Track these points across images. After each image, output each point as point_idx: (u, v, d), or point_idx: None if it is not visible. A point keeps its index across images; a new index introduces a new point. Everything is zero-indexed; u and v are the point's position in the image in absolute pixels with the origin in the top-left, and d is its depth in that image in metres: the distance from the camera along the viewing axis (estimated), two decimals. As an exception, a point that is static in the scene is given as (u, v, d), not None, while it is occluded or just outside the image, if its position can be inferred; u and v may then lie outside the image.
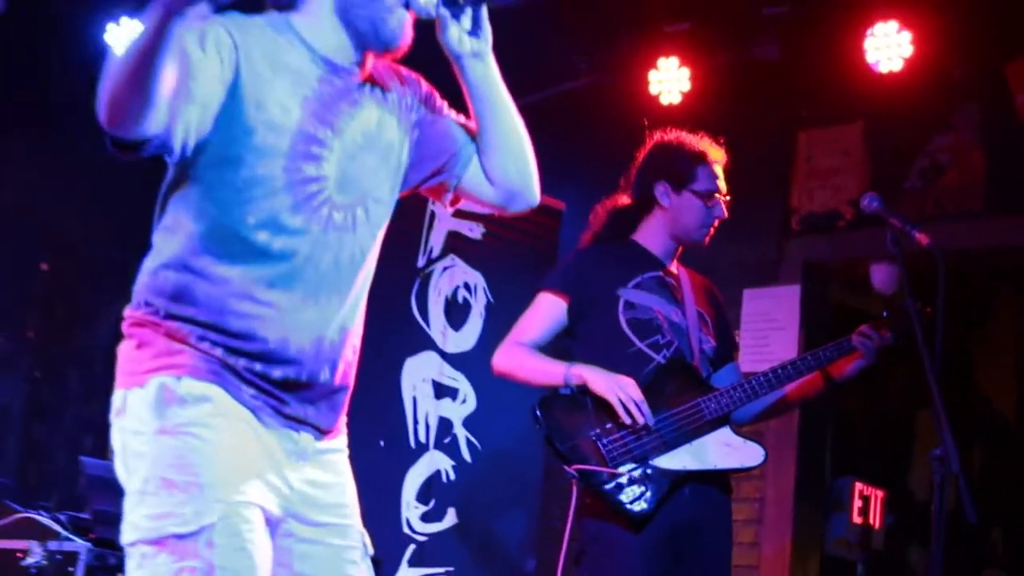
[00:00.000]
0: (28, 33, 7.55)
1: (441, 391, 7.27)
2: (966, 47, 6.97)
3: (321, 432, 3.10)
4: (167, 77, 2.68)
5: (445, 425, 7.23)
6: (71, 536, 5.97)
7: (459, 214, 7.20)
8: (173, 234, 3.00)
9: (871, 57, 6.91)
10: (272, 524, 2.98)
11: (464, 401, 7.32)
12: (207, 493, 2.83)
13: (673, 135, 5.12)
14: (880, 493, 7.21)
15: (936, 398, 4.33)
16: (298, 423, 3.03)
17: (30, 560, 5.93)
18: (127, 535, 2.87)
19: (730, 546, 4.93)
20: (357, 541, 3.14)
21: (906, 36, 6.82)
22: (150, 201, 7.99)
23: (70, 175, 7.92)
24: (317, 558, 3.07)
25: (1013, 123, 6.97)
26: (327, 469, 3.12)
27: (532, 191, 3.33)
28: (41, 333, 7.82)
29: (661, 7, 7.42)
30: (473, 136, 3.30)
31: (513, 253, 7.39)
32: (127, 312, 3.03)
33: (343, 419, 3.19)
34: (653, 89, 7.50)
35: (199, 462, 2.85)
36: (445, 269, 7.34)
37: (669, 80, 7.49)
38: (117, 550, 5.93)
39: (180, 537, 2.80)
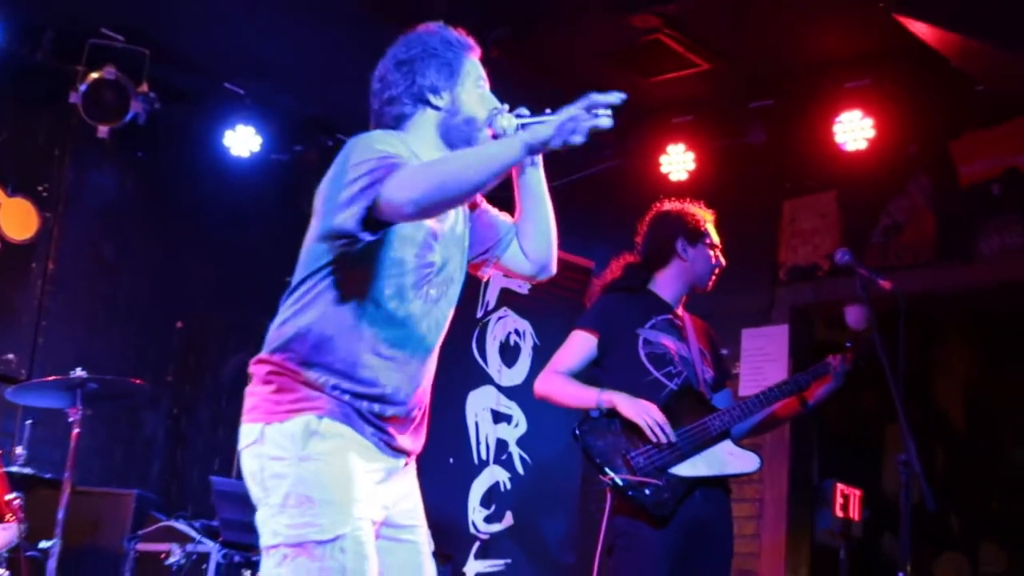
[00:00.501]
0: (160, 139, 7.60)
1: (498, 417, 7.26)
2: (917, 129, 6.96)
3: (409, 455, 3.18)
4: None
5: (502, 445, 7.21)
6: (204, 540, 5.98)
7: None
8: (321, 297, 3.07)
9: (840, 139, 6.90)
10: (377, 532, 3.07)
11: (517, 425, 7.30)
12: (341, 509, 2.93)
13: (673, 204, 5.13)
14: (858, 492, 7.13)
15: (900, 412, 4.31)
16: (399, 452, 3.11)
17: (171, 560, 5.95)
18: (268, 540, 2.94)
19: (732, 537, 4.90)
20: (425, 538, 3.21)
21: (868, 122, 6.82)
22: (258, 274, 8.05)
23: (198, 252, 7.97)
24: (400, 552, 3.13)
25: (957, 189, 6.94)
26: (404, 484, 3.18)
27: (554, 264, 3.44)
28: (177, 377, 7.86)
29: (670, 103, 7.43)
30: (510, 224, 3.40)
31: (554, 304, 7.38)
32: (264, 357, 3.10)
33: (420, 440, 3.25)
34: (664, 169, 7.50)
35: (334, 484, 2.94)
36: (499, 319, 7.34)
37: (677, 162, 7.49)
38: (241, 549, 5.96)
39: (319, 543, 2.88)
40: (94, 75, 7.00)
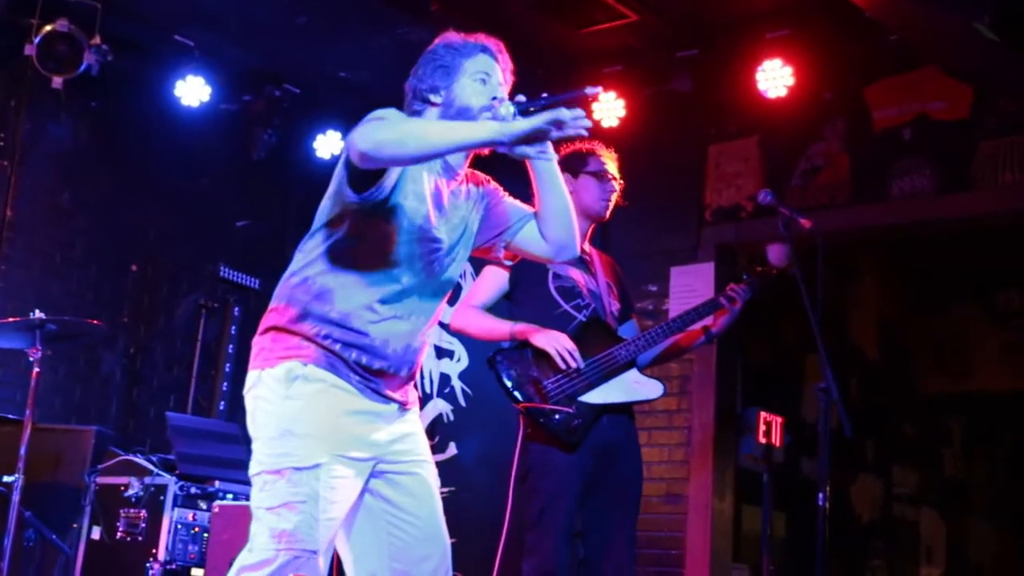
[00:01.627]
0: (113, 89, 7.49)
1: (441, 353, 7.25)
2: (834, 76, 6.97)
3: (402, 407, 3.30)
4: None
5: (445, 379, 7.22)
6: (161, 472, 5.96)
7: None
8: (328, 251, 3.23)
9: (762, 86, 6.90)
10: (371, 469, 3.21)
11: (459, 360, 7.30)
12: (319, 444, 3.07)
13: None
14: (779, 419, 7.19)
15: (819, 344, 4.34)
16: (387, 399, 3.23)
17: (130, 492, 5.93)
18: (254, 468, 3.12)
19: (639, 458, 4.93)
20: (432, 473, 3.38)
21: (788, 70, 6.82)
22: (209, 219, 7.99)
23: (151, 198, 7.90)
24: (409, 482, 3.30)
25: (871, 134, 6.97)
26: (406, 425, 3.31)
27: (576, 245, 3.50)
28: (132, 318, 7.79)
29: (601, 53, 7.39)
30: (524, 212, 3.49)
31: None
32: (272, 307, 3.26)
33: (415, 394, 3.40)
34: (596, 116, 7.46)
35: (314, 420, 3.09)
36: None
37: (608, 109, 7.45)
38: (196, 481, 5.95)
39: (297, 469, 3.05)
40: (48, 28, 6.87)
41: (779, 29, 6.80)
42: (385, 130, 3.01)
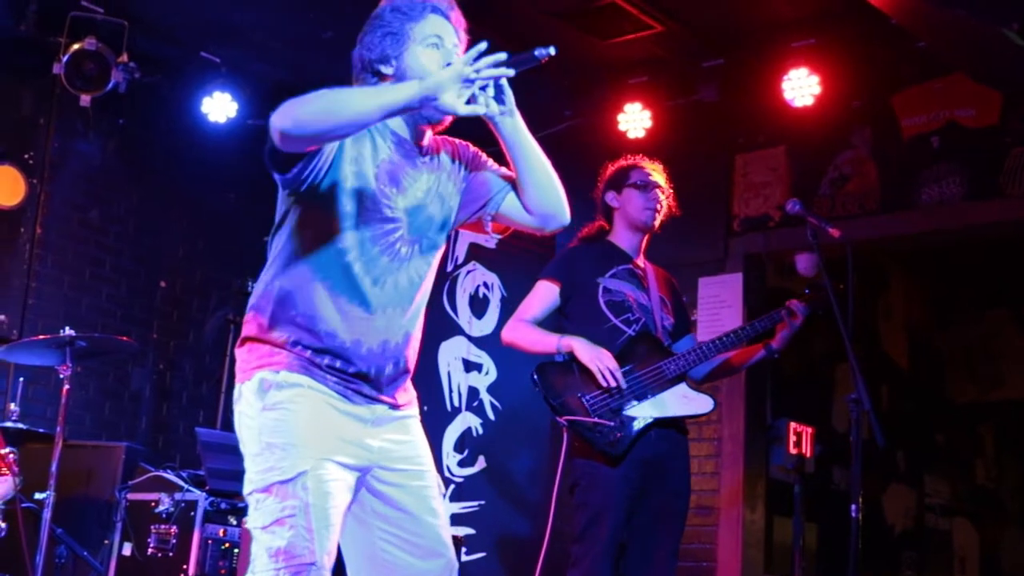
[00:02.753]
0: (140, 107, 7.53)
1: (469, 366, 7.25)
2: (861, 84, 6.95)
3: (393, 406, 3.11)
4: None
5: (473, 392, 7.20)
6: (191, 488, 5.96)
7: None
8: (282, 252, 3.05)
9: (788, 95, 6.87)
10: (361, 478, 3.04)
11: (487, 373, 7.29)
12: (301, 451, 2.91)
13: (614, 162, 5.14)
14: (810, 429, 7.15)
15: (850, 353, 4.31)
16: (373, 400, 3.05)
17: (161, 508, 5.92)
18: (246, 487, 2.96)
19: (687, 473, 4.92)
20: (433, 482, 3.15)
21: (814, 79, 6.79)
22: (236, 235, 8.01)
23: (179, 215, 7.93)
24: (401, 496, 3.09)
25: (899, 141, 6.94)
26: (401, 431, 3.12)
27: (564, 213, 3.22)
28: (162, 334, 7.81)
29: (627, 64, 7.38)
30: (508, 179, 3.23)
31: (520, 257, 7.36)
32: (246, 317, 3.10)
33: (411, 393, 3.20)
34: (622, 127, 7.45)
35: (292, 428, 2.92)
36: (468, 272, 7.31)
37: (634, 120, 7.44)
38: (226, 497, 5.94)
39: (282, 483, 2.89)
40: (76, 46, 6.92)
41: (805, 38, 6.78)
42: (303, 105, 2.80)
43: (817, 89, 6.79)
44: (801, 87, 6.83)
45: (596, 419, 4.65)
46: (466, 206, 3.25)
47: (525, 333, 4.95)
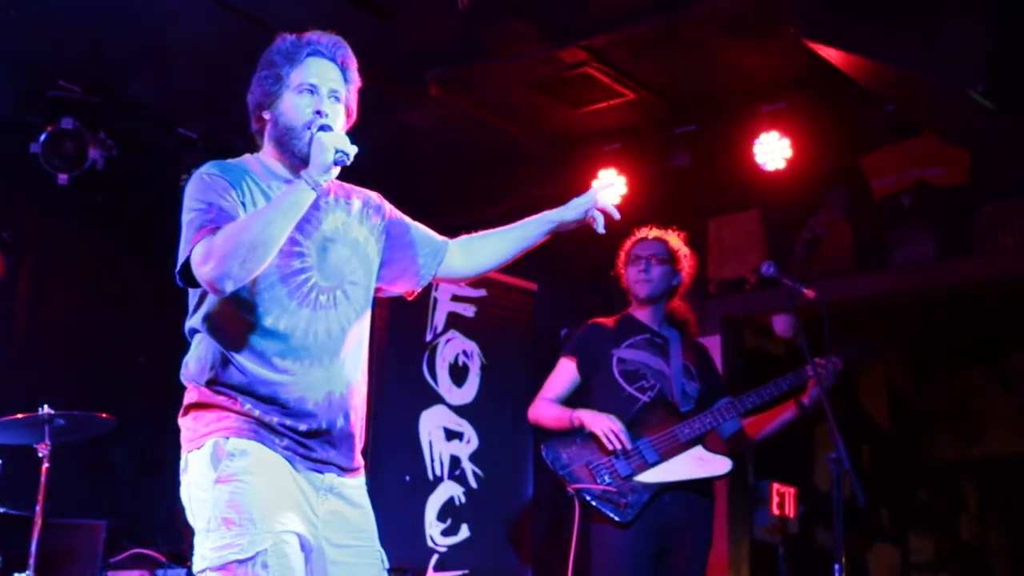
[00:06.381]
0: (118, 184, 7.54)
1: (451, 435, 7.21)
2: (831, 146, 7.01)
3: (343, 470, 3.05)
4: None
5: (455, 461, 7.16)
6: (173, 565, 5.91)
7: (455, 298, 7.19)
8: (205, 324, 3.00)
9: (760, 159, 6.92)
10: (307, 548, 2.95)
11: (469, 441, 7.25)
12: (258, 527, 2.82)
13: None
14: (792, 490, 7.16)
15: (828, 412, 4.32)
16: (323, 464, 3.00)
17: (143, 586, 5.88)
18: (197, 565, 2.88)
19: (707, 536, 4.94)
20: (376, 558, 3.08)
21: (785, 142, 6.84)
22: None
23: (158, 293, 7.88)
24: (344, 573, 3.01)
25: (871, 202, 7.00)
26: (348, 501, 3.06)
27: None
28: (141, 411, 7.77)
29: (600, 132, 7.44)
30: (437, 241, 3.35)
31: (499, 324, 7.37)
32: (186, 383, 3.05)
33: (360, 459, 3.14)
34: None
35: (249, 503, 2.84)
36: (448, 341, 7.29)
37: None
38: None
39: (241, 562, 2.80)
40: (51, 128, 6.94)
41: (775, 102, 6.84)
42: (217, 262, 2.79)
43: (788, 152, 6.84)
44: (772, 151, 6.87)
45: (604, 486, 4.70)
46: (390, 263, 3.29)
47: (545, 411, 5.09)
